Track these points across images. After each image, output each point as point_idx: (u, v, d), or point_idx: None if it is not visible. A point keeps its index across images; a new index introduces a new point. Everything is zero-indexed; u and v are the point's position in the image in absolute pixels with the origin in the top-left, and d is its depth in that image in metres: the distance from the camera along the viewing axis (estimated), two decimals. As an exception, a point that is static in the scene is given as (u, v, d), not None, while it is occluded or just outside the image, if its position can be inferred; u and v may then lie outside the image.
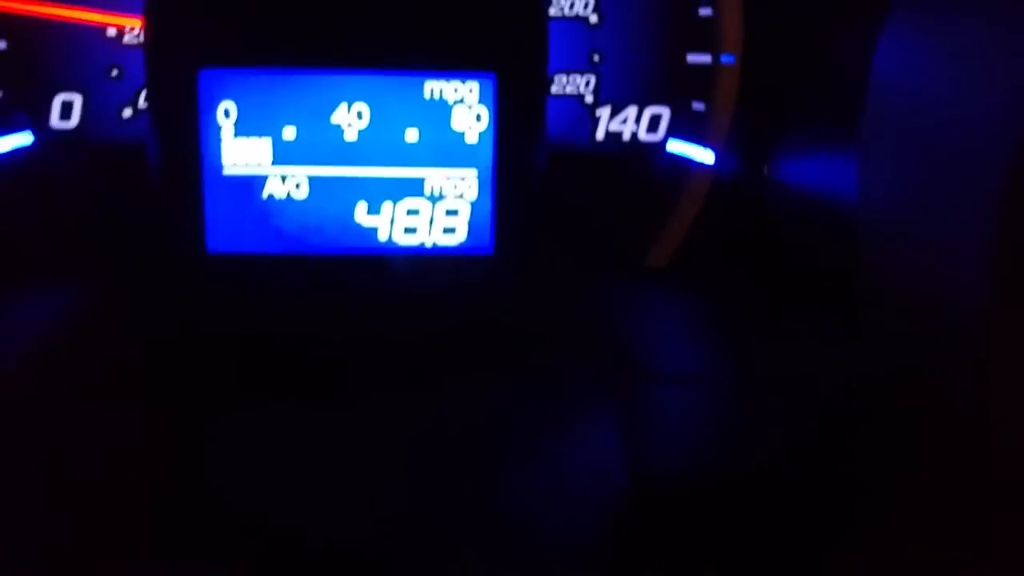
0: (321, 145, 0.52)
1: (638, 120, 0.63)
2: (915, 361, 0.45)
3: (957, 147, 0.42)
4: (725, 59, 0.62)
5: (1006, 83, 0.40)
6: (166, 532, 0.42)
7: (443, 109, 0.52)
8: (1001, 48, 0.41)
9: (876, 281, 0.48)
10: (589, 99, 0.63)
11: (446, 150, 0.53)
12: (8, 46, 0.59)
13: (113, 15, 0.59)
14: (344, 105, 0.51)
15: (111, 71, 0.60)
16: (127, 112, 0.61)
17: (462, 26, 0.51)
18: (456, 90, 0.52)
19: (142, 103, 0.60)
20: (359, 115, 0.52)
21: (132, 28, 0.59)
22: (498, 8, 0.51)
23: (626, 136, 0.64)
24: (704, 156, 0.64)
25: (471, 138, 0.52)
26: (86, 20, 0.59)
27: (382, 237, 0.53)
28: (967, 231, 0.41)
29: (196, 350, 0.53)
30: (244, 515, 0.43)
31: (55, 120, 0.60)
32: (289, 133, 0.52)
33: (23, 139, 0.60)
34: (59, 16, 0.58)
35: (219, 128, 0.51)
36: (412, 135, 0.52)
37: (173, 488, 0.44)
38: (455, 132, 0.52)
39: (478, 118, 0.52)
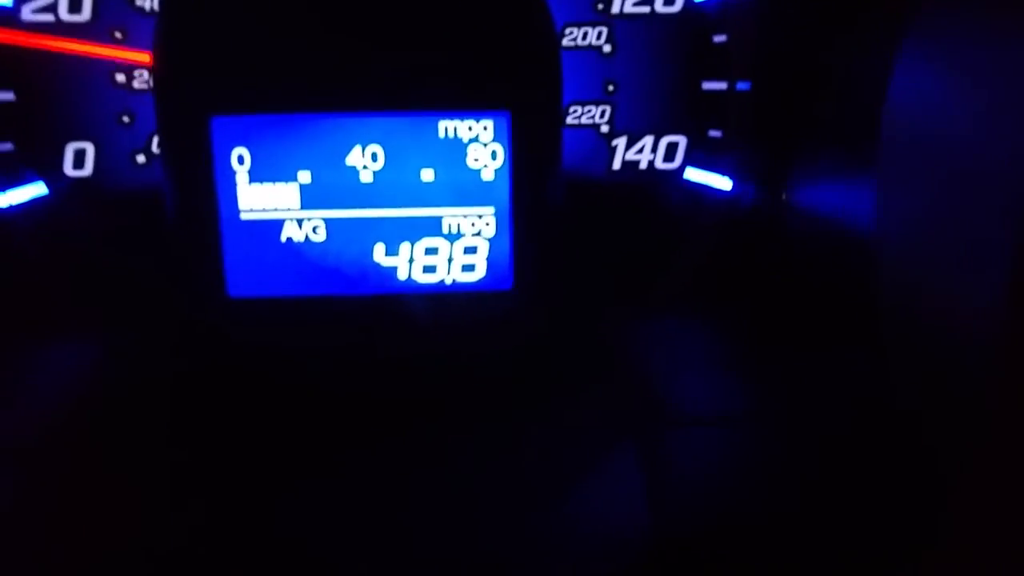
0: (337, 188, 0.52)
1: (655, 149, 0.63)
2: (939, 385, 0.45)
3: (972, 171, 0.42)
4: (740, 86, 0.62)
5: (1021, 107, 0.40)
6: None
7: (458, 147, 0.52)
8: (1017, 73, 0.41)
9: (897, 305, 0.48)
10: (605, 129, 0.63)
11: (462, 188, 0.52)
12: (16, 97, 0.59)
13: (123, 49, 0.59)
14: (358, 147, 0.51)
15: (122, 117, 0.60)
16: (141, 158, 0.61)
17: (475, 64, 0.51)
18: (471, 128, 0.51)
19: (155, 148, 0.60)
20: (374, 157, 0.51)
21: (141, 74, 0.59)
22: (511, 45, 0.51)
23: (643, 165, 0.63)
24: (722, 183, 0.63)
25: (487, 176, 0.52)
26: (95, 54, 0.59)
27: (401, 276, 0.53)
28: (985, 253, 0.40)
29: (221, 394, 0.53)
30: (272, 548, 0.43)
31: (69, 169, 0.60)
32: (304, 177, 0.51)
33: (37, 190, 0.61)
34: (68, 49, 0.58)
35: (234, 174, 0.51)
36: (428, 175, 0.52)
37: (207, 531, 0.44)
38: (471, 170, 0.52)
39: (493, 155, 0.52)
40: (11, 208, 0.60)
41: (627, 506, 0.46)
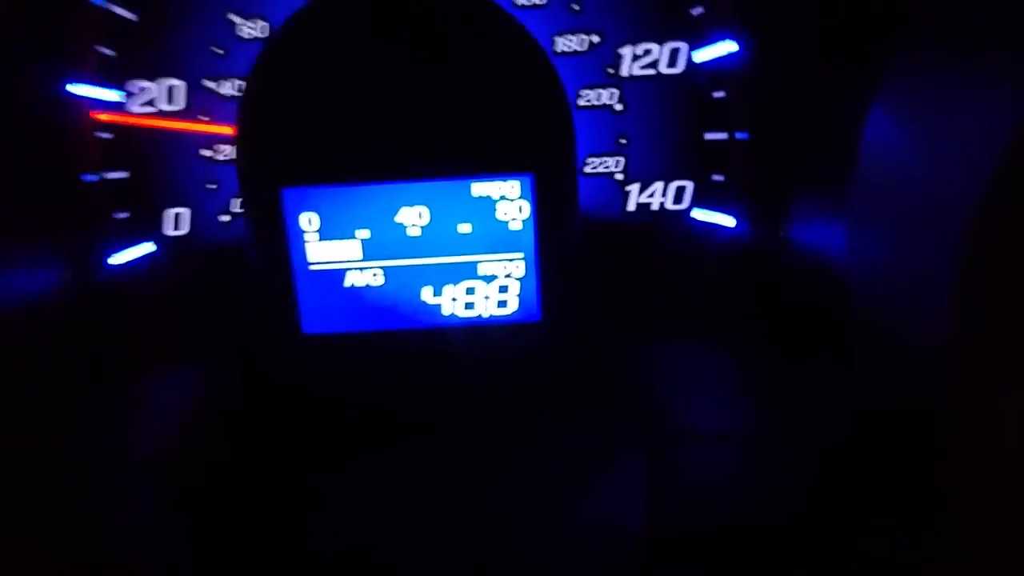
0: (390, 241, 0.60)
1: (664, 193, 0.69)
2: (902, 392, 0.49)
3: (926, 212, 0.47)
4: (739, 135, 0.68)
5: (964, 157, 0.45)
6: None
7: (490, 204, 0.60)
8: (961, 133, 0.46)
9: (866, 325, 0.53)
10: (619, 177, 0.69)
11: (495, 238, 0.60)
12: (130, 175, 0.69)
13: (210, 124, 0.68)
14: (407, 208, 0.59)
15: (209, 184, 0.69)
16: (225, 218, 0.70)
17: (502, 136, 0.59)
18: (500, 188, 0.59)
19: (236, 209, 0.69)
20: (420, 215, 0.60)
21: (223, 148, 0.68)
22: (532, 119, 0.58)
23: (654, 207, 0.69)
24: (726, 221, 0.69)
25: (515, 226, 0.60)
26: (189, 129, 0.68)
27: (446, 312, 0.61)
28: (935, 288, 0.45)
29: (297, 417, 0.61)
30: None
31: (169, 229, 0.70)
32: (363, 233, 0.60)
33: (148, 248, 0.70)
34: (168, 127, 0.68)
35: (303, 233, 0.60)
36: (465, 228, 0.60)
37: (283, 547, 0.52)
38: (501, 223, 0.60)
39: (520, 210, 0.60)
40: (127, 264, 0.70)
41: (630, 517, 0.51)
